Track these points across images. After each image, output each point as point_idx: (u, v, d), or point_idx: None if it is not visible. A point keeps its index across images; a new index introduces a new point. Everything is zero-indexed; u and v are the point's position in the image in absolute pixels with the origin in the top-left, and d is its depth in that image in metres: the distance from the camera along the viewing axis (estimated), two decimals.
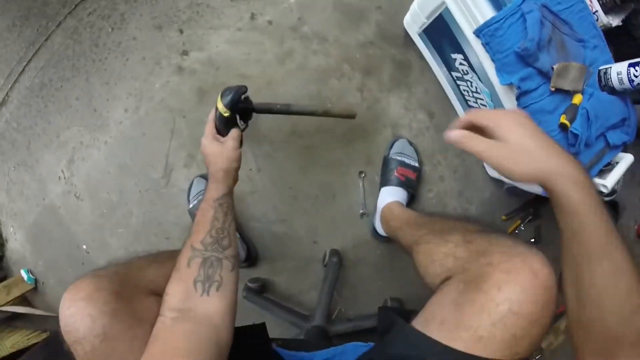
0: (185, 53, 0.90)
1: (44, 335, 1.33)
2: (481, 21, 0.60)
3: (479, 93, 0.73)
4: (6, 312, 1.19)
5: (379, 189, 0.92)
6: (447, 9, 0.65)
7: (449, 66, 0.78)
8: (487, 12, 0.60)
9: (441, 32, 0.72)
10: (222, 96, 0.64)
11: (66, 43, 0.96)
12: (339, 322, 0.95)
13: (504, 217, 0.93)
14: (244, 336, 0.61)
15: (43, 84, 1.01)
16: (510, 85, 0.63)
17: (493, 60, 0.62)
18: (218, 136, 0.67)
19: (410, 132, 0.91)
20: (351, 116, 0.76)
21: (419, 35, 0.81)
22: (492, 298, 0.39)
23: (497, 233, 0.48)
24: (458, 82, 0.79)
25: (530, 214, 0.88)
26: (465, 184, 0.93)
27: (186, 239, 0.55)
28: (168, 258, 0.59)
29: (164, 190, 0.98)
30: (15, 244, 1.29)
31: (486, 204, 0.94)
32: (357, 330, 0.96)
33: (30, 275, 1.29)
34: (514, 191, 0.85)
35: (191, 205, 0.92)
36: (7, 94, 1.05)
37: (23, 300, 1.33)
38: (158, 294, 0.51)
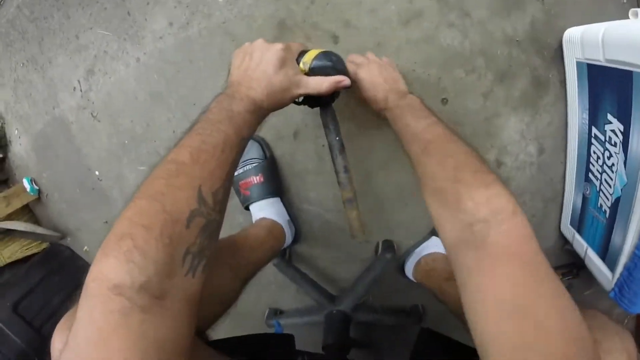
0: None
1: (44, 246, 1.25)
2: None
3: (612, 171, 0.57)
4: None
5: (429, 234, 0.81)
6: None
7: (594, 120, 0.60)
8: None
9: (613, 85, 0.52)
10: (323, 54, 0.51)
11: None
12: (364, 311, 0.87)
13: None
14: (270, 346, 0.58)
15: None
16: None
17: None
18: (296, 65, 0.51)
19: (514, 162, 0.73)
20: (352, 235, 0.62)
21: (578, 63, 0.61)
22: None
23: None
24: (592, 142, 0.62)
25: (572, 273, 0.86)
26: (535, 230, 0.80)
27: (181, 146, 0.37)
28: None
29: None
30: (20, 149, 1.14)
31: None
32: (379, 325, 0.91)
33: (34, 185, 1.16)
34: (572, 252, 0.79)
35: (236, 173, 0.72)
36: None
37: (24, 208, 1.22)
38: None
